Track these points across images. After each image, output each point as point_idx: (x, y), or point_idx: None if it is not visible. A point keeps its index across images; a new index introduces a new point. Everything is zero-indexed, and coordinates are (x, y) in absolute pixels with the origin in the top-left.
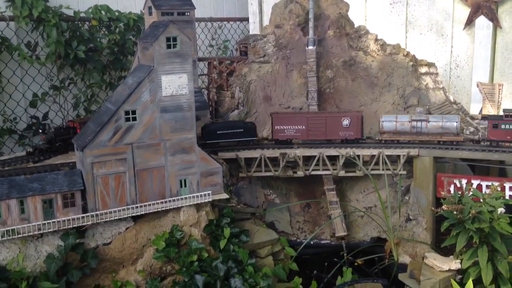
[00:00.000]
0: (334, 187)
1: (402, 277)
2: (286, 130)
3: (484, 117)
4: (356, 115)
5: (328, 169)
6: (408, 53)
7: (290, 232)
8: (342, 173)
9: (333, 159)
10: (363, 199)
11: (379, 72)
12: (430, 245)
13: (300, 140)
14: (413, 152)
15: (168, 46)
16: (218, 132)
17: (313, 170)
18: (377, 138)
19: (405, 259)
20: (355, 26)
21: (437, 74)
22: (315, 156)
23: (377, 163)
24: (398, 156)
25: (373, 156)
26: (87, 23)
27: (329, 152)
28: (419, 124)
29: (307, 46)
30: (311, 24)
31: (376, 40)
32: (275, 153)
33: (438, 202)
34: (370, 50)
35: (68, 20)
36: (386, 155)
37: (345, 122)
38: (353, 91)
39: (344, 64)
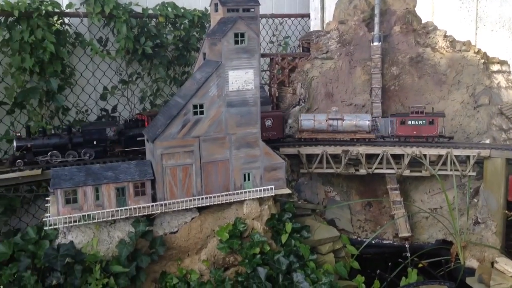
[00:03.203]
0: (398, 186)
1: (470, 281)
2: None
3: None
4: (278, 116)
5: (392, 168)
6: (479, 50)
7: (351, 230)
8: (406, 172)
9: (397, 158)
10: (428, 200)
11: (447, 69)
12: (500, 250)
13: None
14: (484, 152)
15: (236, 42)
16: (138, 139)
17: (376, 168)
18: (296, 137)
19: (472, 263)
20: (423, 22)
21: (509, 72)
22: (378, 154)
23: (444, 163)
24: (468, 156)
25: (440, 156)
26: (154, 19)
27: (393, 150)
28: (335, 122)
29: (372, 42)
30: (376, 19)
31: (445, 36)
32: (337, 150)
33: (509, 205)
34: (438, 47)
35: (137, 17)
36: (455, 155)
37: (268, 122)
38: (419, 89)
39: (411, 60)
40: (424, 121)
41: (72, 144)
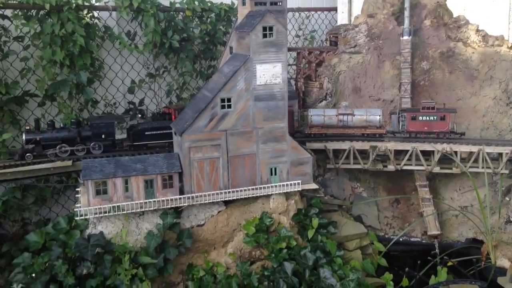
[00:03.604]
0: (427, 183)
1: (501, 281)
2: None
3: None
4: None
5: (422, 165)
6: None
7: (378, 227)
8: (436, 169)
9: (426, 154)
10: (458, 197)
11: (480, 64)
12: None
13: None
14: None
15: (264, 36)
16: (146, 133)
17: (405, 164)
18: (306, 132)
19: (503, 262)
20: (454, 16)
21: None
22: (407, 150)
23: (475, 161)
24: (500, 154)
25: (471, 153)
26: (181, 13)
27: (423, 147)
28: (345, 117)
29: (402, 36)
30: (406, 13)
31: (477, 31)
32: (364, 145)
33: None
34: (470, 41)
35: (164, 11)
36: (487, 152)
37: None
38: (450, 84)
39: (442, 55)
40: (435, 117)
41: (81, 138)
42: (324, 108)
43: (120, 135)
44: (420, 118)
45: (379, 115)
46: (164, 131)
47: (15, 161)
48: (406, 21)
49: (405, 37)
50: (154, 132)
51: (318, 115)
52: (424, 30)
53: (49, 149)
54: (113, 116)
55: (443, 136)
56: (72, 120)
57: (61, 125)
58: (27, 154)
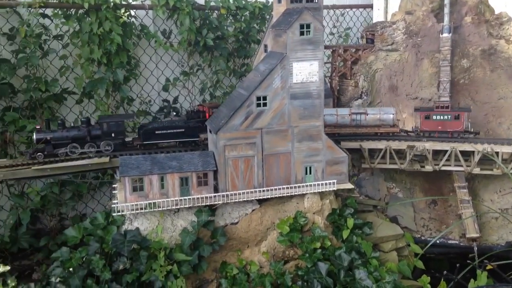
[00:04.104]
0: (466, 184)
1: None
2: None
3: (416, 109)
4: None
5: (461, 165)
6: None
7: (414, 228)
8: (476, 170)
9: (465, 154)
10: (499, 199)
11: None
12: None
13: None
14: None
15: (301, 33)
16: (157, 132)
17: (443, 165)
18: None
19: None
20: (496, 12)
21: None
22: (446, 150)
23: None
24: None
25: None
26: (216, 11)
27: (463, 147)
28: (358, 116)
29: (441, 34)
30: (446, 10)
31: None
32: (401, 145)
33: None
34: None
35: (199, 9)
36: None
37: None
38: (491, 83)
39: (483, 53)
40: (449, 116)
41: (91, 137)
42: (336, 108)
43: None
44: (434, 117)
45: (393, 114)
46: (175, 130)
47: (27, 160)
48: (446, 18)
49: (445, 35)
50: (165, 132)
51: (331, 115)
52: (465, 27)
53: (60, 148)
54: (123, 115)
55: (457, 136)
56: (82, 119)
57: (72, 124)
58: (38, 154)
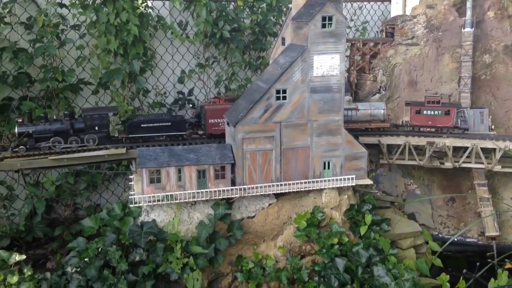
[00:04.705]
0: (486, 182)
1: None
2: (220, 124)
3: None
4: None
5: (482, 162)
6: None
7: (432, 226)
8: (497, 168)
9: (485, 151)
10: None
11: None
12: None
13: None
14: None
15: (323, 26)
16: (142, 125)
17: (463, 162)
18: None
19: None
20: None
21: None
22: (466, 147)
23: None
24: None
25: None
26: (232, 3)
27: (484, 144)
28: (349, 112)
29: (463, 28)
30: (469, 4)
31: None
32: (421, 141)
33: None
34: None
35: (216, 1)
36: None
37: None
38: None
39: (505, 48)
40: (440, 112)
41: (74, 130)
42: None
43: None
44: (425, 112)
45: (383, 109)
46: (161, 124)
47: (10, 153)
48: (469, 12)
49: (467, 29)
50: (151, 125)
51: None
52: (487, 22)
53: (42, 141)
54: (106, 108)
55: (446, 131)
56: (65, 112)
57: (54, 117)
58: (20, 147)
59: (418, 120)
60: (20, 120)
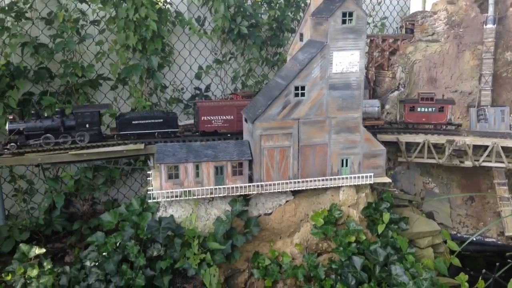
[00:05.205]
0: (506, 181)
1: None
2: (213, 121)
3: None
4: None
5: (502, 161)
6: None
7: (450, 225)
8: None
9: (506, 150)
10: None
11: None
12: None
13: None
14: None
15: (344, 22)
16: (134, 122)
17: (483, 161)
18: None
19: None
20: None
21: None
22: (487, 146)
23: None
24: None
25: None
26: None
27: (504, 142)
28: None
29: (485, 25)
30: (491, 0)
31: None
32: (440, 139)
33: None
34: None
35: None
36: None
37: None
38: None
39: None
40: (433, 108)
41: (65, 127)
42: None
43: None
44: (419, 109)
45: (377, 107)
46: (153, 121)
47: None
48: (491, 9)
49: (489, 26)
50: (142, 122)
51: None
52: (509, 19)
53: (33, 139)
54: (97, 105)
55: (440, 128)
56: (57, 110)
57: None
58: (11, 144)
59: (413, 117)
60: (11, 117)
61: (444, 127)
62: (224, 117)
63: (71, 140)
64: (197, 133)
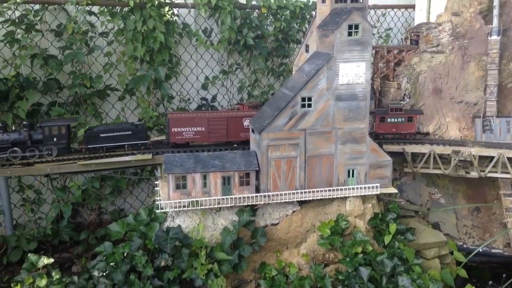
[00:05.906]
0: None
1: None
2: (184, 133)
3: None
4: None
5: (508, 172)
6: None
7: (456, 236)
8: None
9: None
10: None
11: None
12: None
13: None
14: None
15: (350, 34)
16: (101, 135)
17: (489, 172)
18: None
19: None
20: None
21: None
22: (493, 157)
23: None
24: None
25: None
26: (256, 10)
27: (510, 153)
28: None
29: (490, 36)
30: (495, 12)
31: None
32: (446, 150)
33: None
34: None
35: (240, 8)
36: None
37: (246, 123)
38: None
39: None
40: (403, 119)
41: (32, 141)
42: None
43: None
44: (389, 120)
45: None
46: (122, 133)
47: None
48: (495, 20)
49: (494, 37)
50: (110, 134)
51: None
52: None
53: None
54: (65, 119)
55: (409, 137)
56: (24, 123)
57: (13, 128)
58: None
59: (383, 128)
60: None
61: (412, 136)
62: (195, 129)
63: (39, 154)
64: (168, 145)
